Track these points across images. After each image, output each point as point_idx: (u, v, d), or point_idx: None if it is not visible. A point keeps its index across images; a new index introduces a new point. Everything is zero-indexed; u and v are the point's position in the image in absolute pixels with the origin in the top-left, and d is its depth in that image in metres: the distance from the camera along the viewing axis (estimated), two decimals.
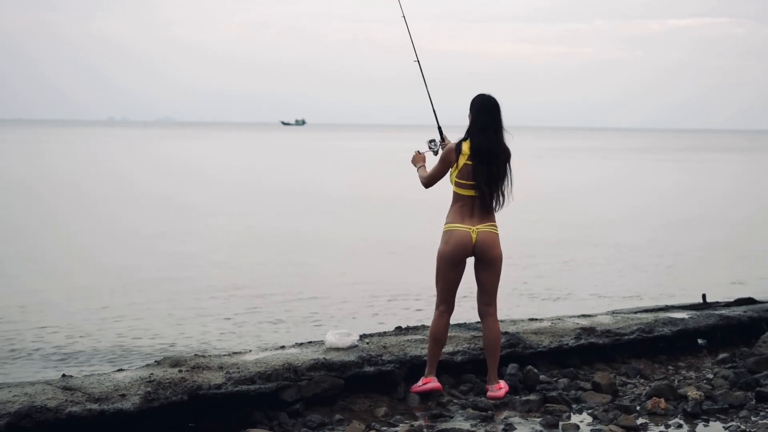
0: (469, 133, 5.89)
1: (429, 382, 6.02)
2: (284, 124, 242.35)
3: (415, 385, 6.09)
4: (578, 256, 15.30)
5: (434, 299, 6.08)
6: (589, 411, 5.89)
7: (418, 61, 6.51)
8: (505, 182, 5.89)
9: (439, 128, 6.30)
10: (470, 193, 5.84)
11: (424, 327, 7.09)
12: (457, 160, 5.85)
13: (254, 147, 76.19)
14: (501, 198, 5.89)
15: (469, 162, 5.83)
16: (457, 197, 5.90)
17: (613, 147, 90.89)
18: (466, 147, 5.85)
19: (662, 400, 5.91)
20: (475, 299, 6.08)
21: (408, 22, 6.65)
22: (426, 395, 6.02)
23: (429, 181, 6.09)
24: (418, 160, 6.24)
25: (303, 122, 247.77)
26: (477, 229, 5.84)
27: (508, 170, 5.90)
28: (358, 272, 13.53)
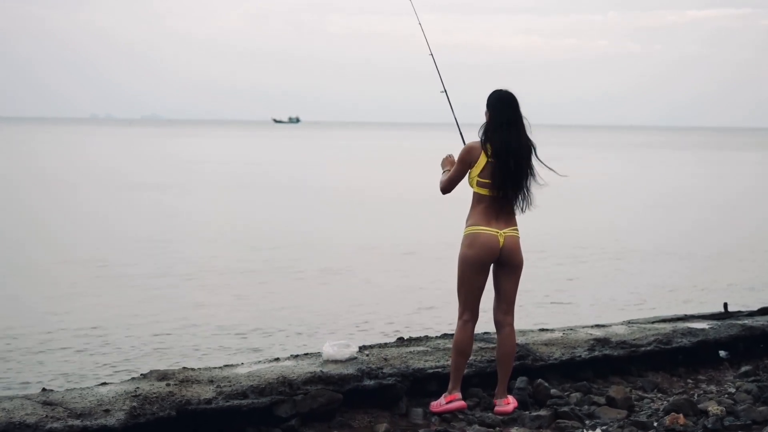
0: (488, 131, 5.88)
1: (453, 400, 5.96)
2: (276, 122, 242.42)
3: (435, 402, 6.04)
4: (591, 262, 15.31)
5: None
6: (604, 427, 5.89)
7: (446, 92, 6.54)
8: (529, 180, 5.89)
9: (461, 134, 6.30)
10: (493, 193, 5.83)
11: (427, 338, 7.10)
12: (478, 159, 5.84)
13: (245, 146, 76.21)
14: (528, 197, 5.88)
15: (492, 160, 5.82)
16: (479, 198, 5.88)
17: (625, 145, 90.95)
18: (487, 145, 5.84)
19: (681, 415, 5.91)
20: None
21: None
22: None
23: (449, 185, 6.04)
24: (446, 163, 6.19)
25: (297, 120, 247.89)
26: (504, 233, 5.84)
27: (531, 166, 5.89)
28: (357, 279, 13.54)
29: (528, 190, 5.89)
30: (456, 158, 6.07)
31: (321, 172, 40.75)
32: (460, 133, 6.39)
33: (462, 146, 6.09)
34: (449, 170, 6.09)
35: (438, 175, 6.19)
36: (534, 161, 5.91)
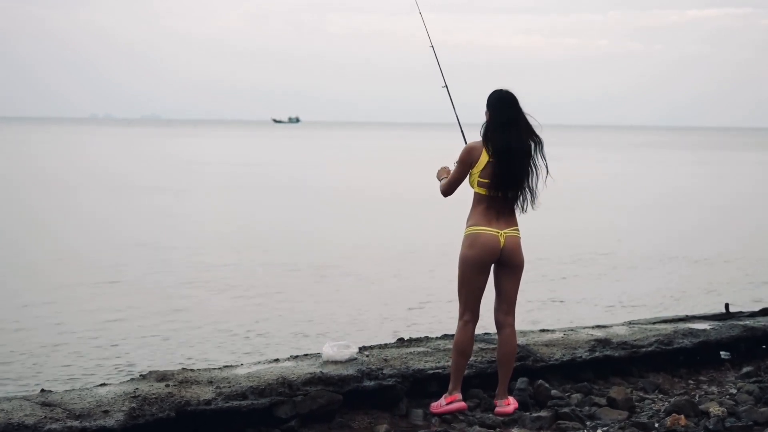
0: (488, 131, 5.87)
1: (453, 401, 5.95)
2: (276, 122, 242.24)
3: (435, 403, 6.03)
4: (592, 262, 15.30)
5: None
6: (604, 428, 5.88)
7: (447, 87, 6.53)
8: (532, 179, 5.87)
9: (462, 130, 6.31)
10: (495, 193, 5.82)
11: (427, 339, 7.09)
12: (478, 159, 5.83)
13: (245, 146, 76.21)
14: (530, 196, 5.87)
15: (492, 160, 5.81)
16: (480, 198, 5.87)
17: (626, 145, 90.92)
18: (488, 145, 5.83)
19: (682, 416, 5.90)
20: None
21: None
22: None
23: (450, 187, 6.03)
24: (443, 173, 6.21)
25: (297, 120, 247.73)
26: (505, 233, 5.83)
27: (533, 165, 5.86)
28: (357, 279, 13.53)
29: (531, 189, 5.88)
30: (447, 168, 6.08)
31: (321, 172, 40.75)
32: (461, 129, 6.38)
33: (463, 142, 6.09)
34: (446, 178, 6.08)
35: (435, 183, 6.20)
36: (539, 158, 5.89)
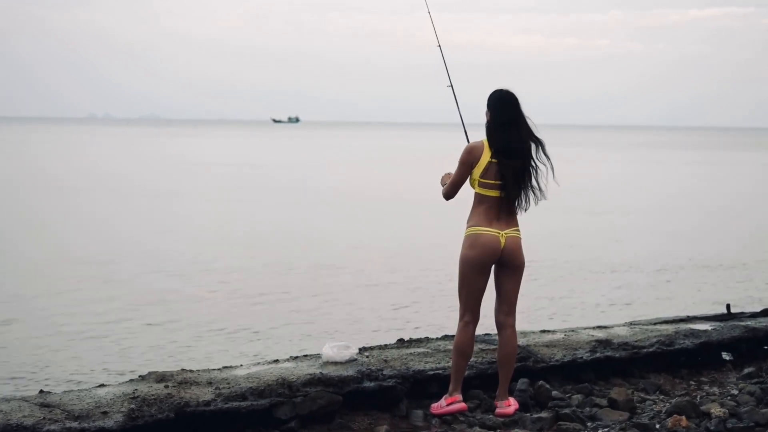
0: (489, 131, 5.86)
1: (454, 402, 5.94)
2: (275, 122, 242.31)
3: (436, 404, 6.02)
4: (592, 263, 15.29)
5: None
6: (605, 429, 5.87)
7: (452, 86, 6.53)
8: (531, 179, 5.86)
9: (465, 129, 6.30)
10: (495, 193, 5.81)
11: (428, 339, 7.08)
12: (479, 159, 5.82)
13: (245, 146, 76.23)
14: (531, 196, 5.85)
15: (493, 160, 5.80)
16: (480, 198, 5.86)
17: (626, 145, 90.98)
18: (487, 145, 5.82)
19: (683, 417, 5.89)
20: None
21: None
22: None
23: (452, 189, 6.01)
24: (445, 179, 6.19)
25: (297, 120, 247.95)
26: (505, 234, 5.82)
27: (534, 165, 5.85)
28: (357, 280, 13.51)
29: (533, 188, 5.85)
30: (450, 174, 6.07)
31: (321, 172, 40.76)
32: (464, 128, 6.37)
33: (466, 142, 6.07)
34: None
35: (435, 182, 6.18)
36: (541, 158, 5.87)
